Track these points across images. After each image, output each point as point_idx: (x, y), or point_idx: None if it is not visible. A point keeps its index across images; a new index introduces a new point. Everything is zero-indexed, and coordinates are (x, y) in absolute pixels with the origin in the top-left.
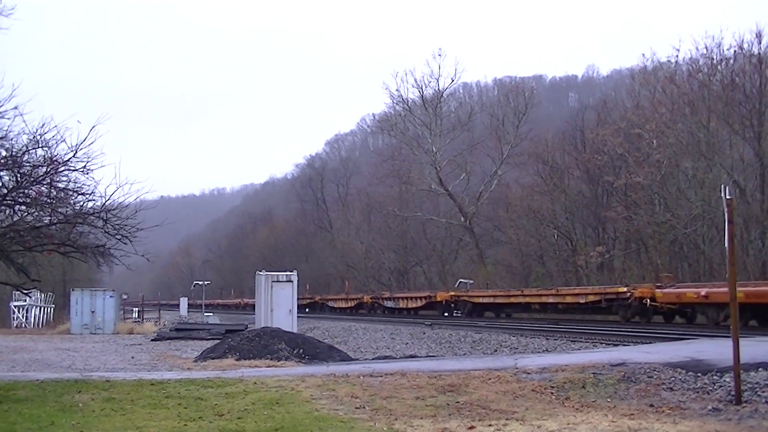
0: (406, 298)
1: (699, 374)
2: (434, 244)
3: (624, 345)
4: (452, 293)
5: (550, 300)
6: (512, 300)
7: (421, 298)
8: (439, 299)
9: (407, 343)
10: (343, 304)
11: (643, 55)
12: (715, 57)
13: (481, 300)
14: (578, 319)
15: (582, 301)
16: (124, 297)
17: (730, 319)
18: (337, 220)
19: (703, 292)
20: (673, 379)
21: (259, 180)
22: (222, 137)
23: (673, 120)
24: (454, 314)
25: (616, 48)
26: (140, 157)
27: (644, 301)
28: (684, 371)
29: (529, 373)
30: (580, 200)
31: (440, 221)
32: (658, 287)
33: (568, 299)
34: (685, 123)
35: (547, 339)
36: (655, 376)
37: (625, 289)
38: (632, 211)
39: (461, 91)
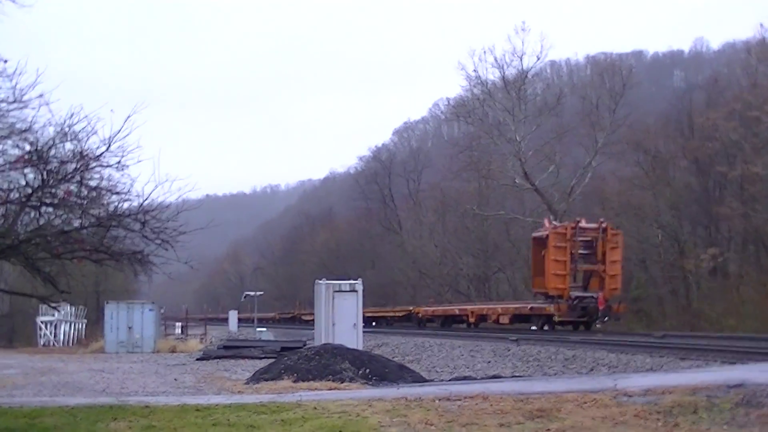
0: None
1: None
2: (519, 247)
3: (742, 363)
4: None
5: (484, 311)
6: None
7: (311, 314)
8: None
9: (489, 362)
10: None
11: (762, 25)
12: None
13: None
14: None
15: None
16: (164, 311)
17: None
18: (407, 220)
19: None
20: None
21: (317, 176)
22: (275, 129)
23: None
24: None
25: (729, 18)
26: (183, 151)
27: None
28: None
29: (630, 396)
30: (688, 195)
31: (526, 221)
32: None
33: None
34: None
35: (651, 356)
36: None
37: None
38: (749, 207)
39: (548, 70)
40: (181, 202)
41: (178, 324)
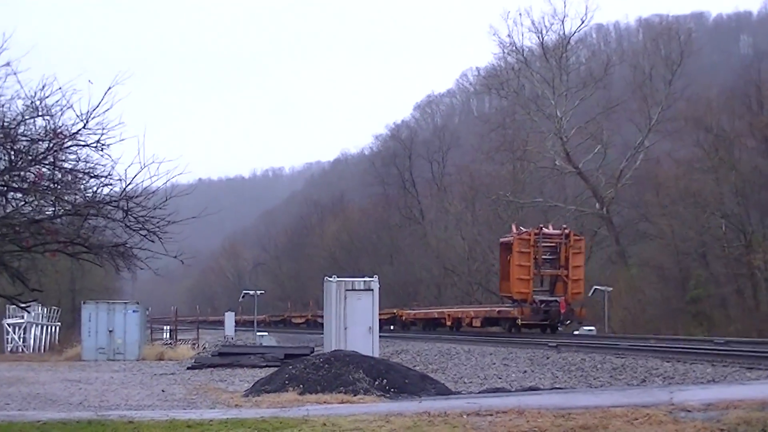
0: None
1: None
2: None
3: None
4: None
5: (459, 315)
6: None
7: (302, 316)
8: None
9: (525, 371)
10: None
11: None
12: None
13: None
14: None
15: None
16: (150, 312)
17: None
18: (430, 209)
19: None
20: None
21: (326, 157)
22: (278, 104)
23: None
24: (391, 329)
25: None
26: (172, 129)
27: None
28: None
29: (689, 411)
30: (756, 179)
31: (568, 209)
32: None
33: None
34: None
35: (713, 365)
36: None
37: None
38: None
39: (594, 35)
40: (170, 188)
41: (167, 327)
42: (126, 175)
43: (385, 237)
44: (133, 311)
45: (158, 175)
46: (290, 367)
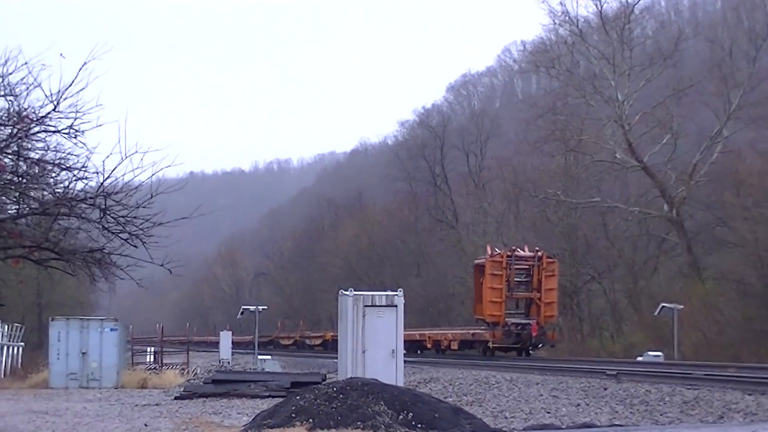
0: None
1: None
2: (621, 248)
3: None
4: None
5: (438, 337)
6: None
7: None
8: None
9: (578, 405)
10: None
11: None
12: None
13: None
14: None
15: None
16: (131, 331)
17: None
18: (465, 209)
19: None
20: None
21: (342, 148)
22: (286, 86)
23: None
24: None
25: None
26: (159, 113)
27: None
28: None
29: None
30: None
31: (630, 211)
32: None
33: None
34: None
35: None
36: None
37: None
38: None
39: (663, 4)
40: (157, 183)
41: (151, 349)
42: (104, 168)
43: (411, 243)
44: (111, 329)
45: (142, 168)
46: (298, 397)
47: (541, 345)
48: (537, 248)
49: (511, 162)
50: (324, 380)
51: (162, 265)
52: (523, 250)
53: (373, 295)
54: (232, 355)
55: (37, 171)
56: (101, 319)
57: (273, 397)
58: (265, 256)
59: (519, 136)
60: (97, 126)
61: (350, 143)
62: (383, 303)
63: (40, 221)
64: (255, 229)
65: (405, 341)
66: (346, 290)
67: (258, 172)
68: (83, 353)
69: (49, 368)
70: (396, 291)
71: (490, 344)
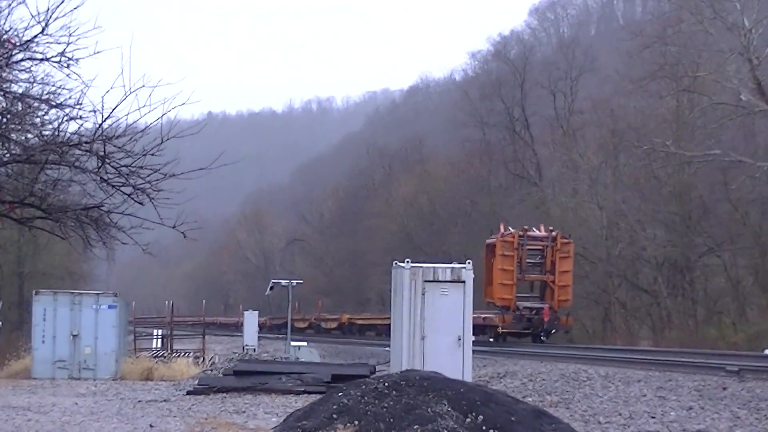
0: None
1: None
2: (746, 212)
3: None
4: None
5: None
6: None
7: (334, 319)
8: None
9: (690, 408)
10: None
11: None
12: None
13: (360, 322)
14: None
15: None
16: (134, 309)
17: None
18: (551, 163)
19: None
20: None
21: (398, 84)
22: (329, 8)
23: None
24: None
25: None
26: (171, 39)
27: None
28: None
29: None
30: None
31: (759, 167)
32: None
33: None
34: None
35: None
36: None
37: None
38: None
39: None
40: (167, 125)
41: (158, 332)
42: (103, 106)
43: (483, 204)
44: (109, 307)
45: (150, 106)
46: (340, 394)
47: (554, 331)
48: (550, 228)
49: (609, 104)
50: (373, 373)
51: (174, 227)
52: (538, 230)
53: (435, 267)
54: (259, 340)
55: (20, 108)
56: (97, 294)
57: (309, 393)
58: (301, 218)
59: (619, 72)
60: (94, 53)
61: (408, 79)
62: (448, 278)
63: (23, 170)
64: (288, 185)
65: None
66: (402, 261)
67: (293, 114)
68: (74, 336)
69: (32, 354)
70: (464, 263)
71: (500, 329)
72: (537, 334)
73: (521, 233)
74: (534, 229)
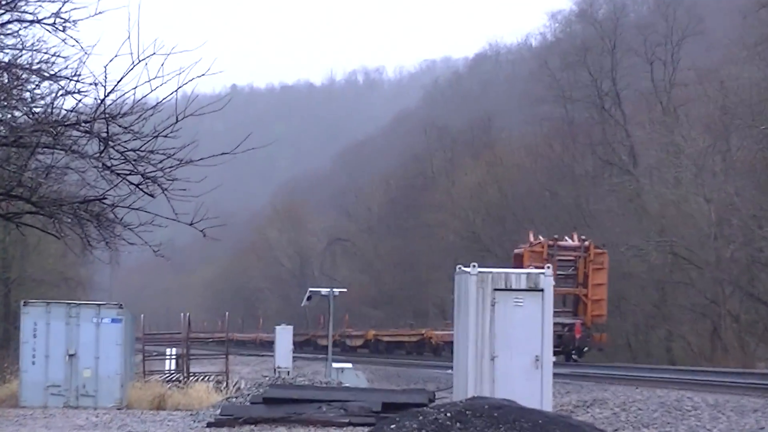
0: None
1: None
2: None
3: None
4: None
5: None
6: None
7: (360, 336)
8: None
9: None
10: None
11: None
12: None
13: (387, 339)
14: None
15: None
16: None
17: None
18: (648, 145)
19: None
20: None
21: (462, 52)
22: None
23: None
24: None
25: None
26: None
27: None
28: None
29: None
30: None
31: None
32: None
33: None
34: None
35: None
36: None
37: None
38: None
39: None
40: (184, 100)
41: (171, 351)
42: (106, 77)
43: (566, 195)
44: (113, 320)
45: (163, 78)
46: (393, 426)
47: (586, 349)
48: (583, 237)
49: (718, 75)
50: (432, 401)
51: (191, 224)
52: (571, 239)
53: (507, 273)
54: (294, 361)
55: (6, 80)
56: (98, 305)
57: (354, 425)
58: (344, 213)
59: (730, 38)
60: (95, 14)
61: (474, 45)
62: (522, 285)
63: (9, 155)
64: (329, 173)
65: (451, 342)
66: (467, 266)
67: (335, 88)
68: (71, 355)
69: (19, 377)
70: (543, 268)
71: None
72: (568, 353)
73: (551, 243)
74: (566, 238)
